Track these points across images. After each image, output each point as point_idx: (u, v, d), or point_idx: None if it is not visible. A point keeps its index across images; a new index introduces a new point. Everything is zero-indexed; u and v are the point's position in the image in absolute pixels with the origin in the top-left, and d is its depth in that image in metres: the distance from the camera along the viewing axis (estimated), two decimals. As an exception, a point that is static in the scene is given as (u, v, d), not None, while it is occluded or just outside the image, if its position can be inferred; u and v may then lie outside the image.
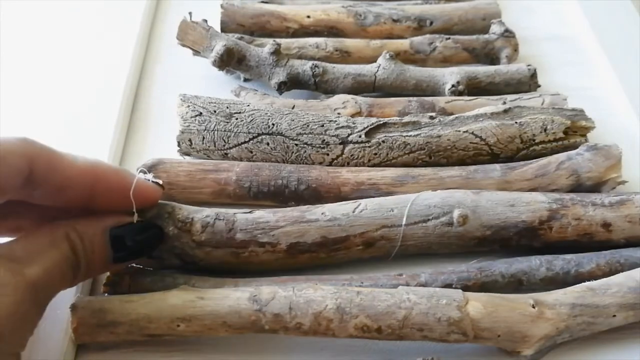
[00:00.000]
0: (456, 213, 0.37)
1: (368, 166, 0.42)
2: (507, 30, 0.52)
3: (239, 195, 0.41)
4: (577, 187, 0.41)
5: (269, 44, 0.48)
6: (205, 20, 0.48)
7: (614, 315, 0.34)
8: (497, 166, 0.41)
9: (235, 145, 0.42)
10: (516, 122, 0.43)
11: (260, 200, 0.41)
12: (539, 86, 0.50)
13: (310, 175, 0.41)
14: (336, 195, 0.41)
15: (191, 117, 0.42)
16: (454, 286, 0.36)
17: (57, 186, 0.30)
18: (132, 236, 0.33)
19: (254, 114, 0.42)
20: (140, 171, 0.35)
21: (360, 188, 0.40)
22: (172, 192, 0.40)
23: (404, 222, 0.37)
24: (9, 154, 0.28)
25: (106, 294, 0.35)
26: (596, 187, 0.41)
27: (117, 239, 0.32)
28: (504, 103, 0.45)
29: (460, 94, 0.48)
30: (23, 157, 0.29)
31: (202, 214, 0.36)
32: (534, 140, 0.43)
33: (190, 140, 0.42)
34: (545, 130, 0.43)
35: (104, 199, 0.32)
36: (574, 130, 0.43)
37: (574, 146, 0.42)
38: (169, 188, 0.40)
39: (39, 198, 0.31)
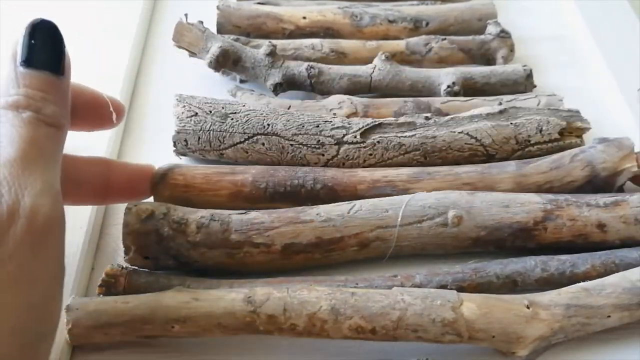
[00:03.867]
0: (451, 214, 0.37)
1: (363, 167, 0.42)
2: (502, 31, 0.52)
3: (255, 197, 0.40)
4: (593, 179, 0.40)
5: (264, 45, 0.48)
6: (201, 22, 0.48)
7: (609, 316, 0.34)
8: (512, 162, 0.41)
9: (231, 146, 0.42)
10: (511, 123, 0.43)
11: (277, 202, 0.40)
12: (535, 86, 0.50)
13: (326, 175, 0.40)
14: (352, 193, 0.40)
15: (187, 117, 0.42)
16: (448, 287, 0.36)
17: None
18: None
19: (249, 114, 0.42)
20: None
21: (376, 185, 0.40)
22: (188, 194, 0.40)
23: (398, 223, 0.37)
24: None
25: (101, 295, 0.35)
26: (612, 178, 0.40)
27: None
28: (500, 104, 0.45)
29: (456, 94, 0.48)
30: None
31: (197, 215, 0.37)
32: (529, 141, 0.42)
33: (185, 140, 0.42)
34: (540, 131, 0.42)
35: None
36: (569, 131, 0.43)
37: (570, 147, 0.42)
38: (186, 190, 0.40)
39: None
